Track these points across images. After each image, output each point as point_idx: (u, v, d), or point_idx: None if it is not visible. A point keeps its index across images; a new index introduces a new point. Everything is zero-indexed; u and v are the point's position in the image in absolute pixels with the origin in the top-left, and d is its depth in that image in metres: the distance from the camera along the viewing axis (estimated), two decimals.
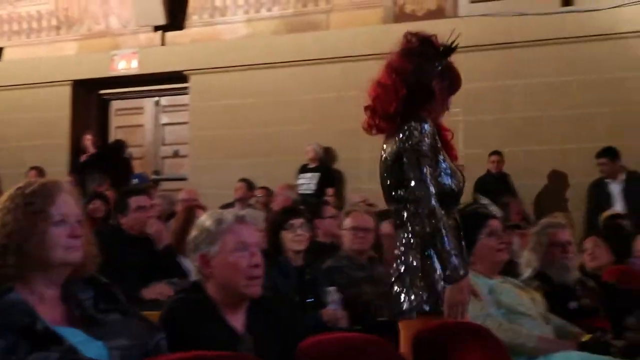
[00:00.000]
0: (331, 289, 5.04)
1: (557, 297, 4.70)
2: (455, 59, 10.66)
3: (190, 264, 4.86)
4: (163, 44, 13.55)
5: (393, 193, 3.65)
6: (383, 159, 3.75)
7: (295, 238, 5.27)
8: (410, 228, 3.59)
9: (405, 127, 3.63)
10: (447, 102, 3.79)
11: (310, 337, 3.71)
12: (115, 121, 14.18)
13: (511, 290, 4.44)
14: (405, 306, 3.63)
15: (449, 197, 3.64)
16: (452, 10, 11.81)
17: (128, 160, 12.86)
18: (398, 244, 3.67)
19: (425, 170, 3.54)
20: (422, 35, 3.84)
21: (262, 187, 10.59)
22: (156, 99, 13.83)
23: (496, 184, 9.86)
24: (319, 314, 4.91)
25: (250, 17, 13.12)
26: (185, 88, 13.28)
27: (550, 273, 4.85)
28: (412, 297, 3.59)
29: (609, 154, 9.33)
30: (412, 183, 3.54)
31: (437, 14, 11.89)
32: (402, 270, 3.62)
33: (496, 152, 10.48)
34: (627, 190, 9.14)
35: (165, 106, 13.85)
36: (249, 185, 10.96)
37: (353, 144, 11.90)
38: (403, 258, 3.63)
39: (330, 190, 11.08)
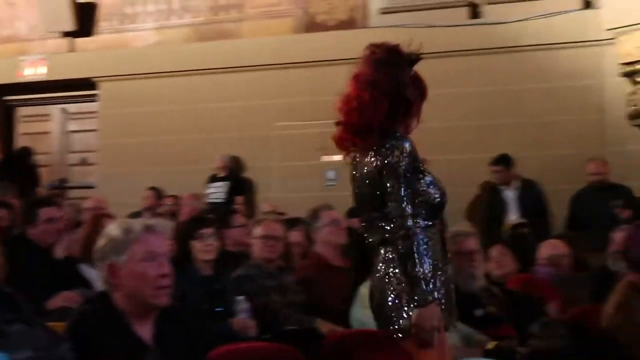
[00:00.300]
0: (240, 298, 5.03)
1: (463, 305, 4.75)
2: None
3: (94, 274, 4.80)
4: (72, 50, 13.36)
5: (377, 208, 3.57)
6: (365, 172, 3.65)
7: (205, 247, 5.24)
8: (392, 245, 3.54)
9: (388, 145, 3.59)
10: (419, 112, 3.80)
11: (219, 347, 3.70)
12: (20, 128, 13.91)
13: None
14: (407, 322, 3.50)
15: (436, 208, 3.63)
16: (362, 21, 11.93)
17: (34, 168, 12.62)
18: (381, 258, 3.59)
19: (402, 191, 3.50)
20: (388, 45, 3.82)
21: (171, 196, 10.51)
22: (63, 106, 13.61)
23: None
24: (228, 323, 4.90)
25: (161, 24, 13.02)
26: (94, 95, 13.11)
27: (457, 281, 4.90)
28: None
29: (503, 161, 9.52)
30: (390, 203, 3.50)
31: (348, 24, 11.99)
32: (395, 285, 3.52)
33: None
34: (522, 197, 9.34)
35: (73, 113, 13.65)
36: (158, 193, 10.86)
37: (262, 153, 11.92)
38: (391, 274, 3.54)
39: (239, 199, 11.05)
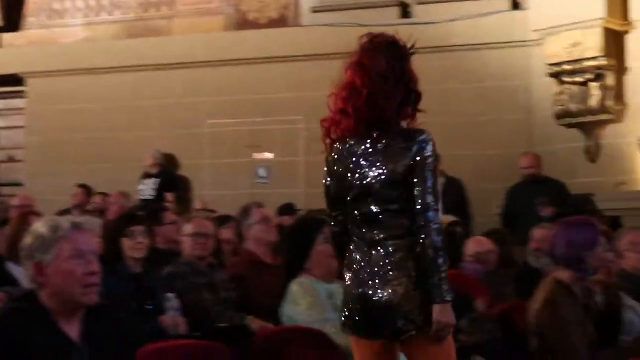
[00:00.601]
0: (170, 295, 5.01)
1: None
2: (298, 68, 11.00)
3: (21, 272, 4.74)
4: None
5: (399, 204, 3.45)
6: (382, 164, 3.50)
7: (135, 245, 5.21)
8: (409, 241, 3.41)
9: (421, 139, 3.65)
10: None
11: (148, 345, 3.68)
12: None
13: None
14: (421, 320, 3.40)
15: None
16: (294, 20, 11.95)
17: None
18: (394, 258, 3.43)
19: (436, 184, 3.47)
20: (388, 36, 3.79)
21: (100, 193, 10.41)
22: None
23: None
24: (158, 321, 4.87)
25: (90, 20, 12.89)
26: (22, 92, 12.92)
27: None
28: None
29: None
30: (427, 197, 3.40)
31: (280, 22, 12.00)
32: (408, 285, 3.39)
33: None
34: (445, 194, 9.47)
35: (0, 110, 13.43)
36: (88, 191, 10.75)
37: (194, 151, 11.87)
38: (407, 270, 3.41)
39: (169, 196, 10.98)
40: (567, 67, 10.26)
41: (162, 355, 3.65)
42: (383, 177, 3.45)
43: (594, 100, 10.18)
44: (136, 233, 5.23)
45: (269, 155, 11.37)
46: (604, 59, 10.05)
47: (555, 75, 10.37)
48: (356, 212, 3.48)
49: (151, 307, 4.99)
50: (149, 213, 6.61)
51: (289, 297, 4.49)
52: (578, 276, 4.36)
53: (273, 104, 11.56)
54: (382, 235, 3.42)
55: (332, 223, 3.61)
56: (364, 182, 3.46)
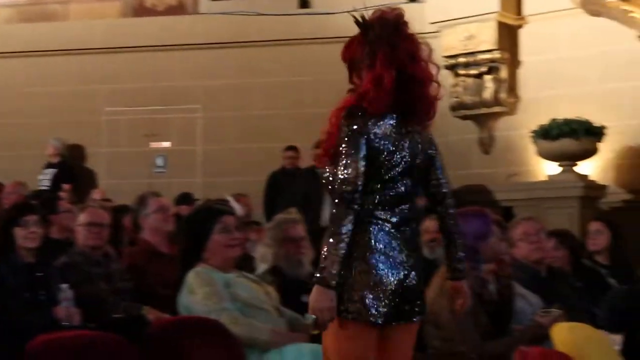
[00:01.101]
0: (64, 286, 4.93)
1: (290, 290, 4.83)
2: (195, 56, 10.87)
3: None
4: None
5: (419, 187, 3.53)
6: (432, 154, 3.53)
7: (28, 235, 5.10)
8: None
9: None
10: None
11: (40, 336, 3.62)
12: None
13: (247, 284, 4.52)
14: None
15: None
16: (192, 7, 11.86)
17: None
18: (416, 239, 3.52)
19: None
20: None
21: None
22: None
23: (288, 180, 9.81)
24: (51, 312, 4.79)
25: None
26: None
27: (284, 267, 4.98)
28: None
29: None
30: (446, 181, 3.53)
31: (178, 9, 11.90)
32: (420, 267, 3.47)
33: (291, 148, 10.29)
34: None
35: None
36: None
37: (91, 139, 11.70)
38: (419, 253, 3.50)
39: (66, 186, 10.77)
40: (462, 60, 10.45)
41: (54, 346, 3.59)
42: (419, 159, 3.45)
43: (488, 93, 10.39)
44: (29, 222, 5.12)
45: (166, 144, 11.28)
46: (497, 52, 10.27)
47: (451, 68, 10.54)
48: (392, 192, 3.38)
49: (44, 298, 4.90)
50: (42, 202, 6.47)
51: (186, 287, 4.47)
52: (471, 266, 4.44)
53: (170, 92, 11.46)
54: (410, 216, 3.43)
55: (358, 204, 3.32)
56: (409, 161, 3.42)
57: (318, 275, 3.21)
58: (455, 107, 10.61)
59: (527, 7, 10.39)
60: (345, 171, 3.26)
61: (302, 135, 10.86)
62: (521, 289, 4.85)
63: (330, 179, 3.33)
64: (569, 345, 2.95)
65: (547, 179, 9.55)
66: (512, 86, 10.44)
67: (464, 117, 10.65)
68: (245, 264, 5.16)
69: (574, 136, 9.13)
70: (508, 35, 10.43)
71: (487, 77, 10.41)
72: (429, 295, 4.47)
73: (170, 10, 11.83)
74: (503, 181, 10.18)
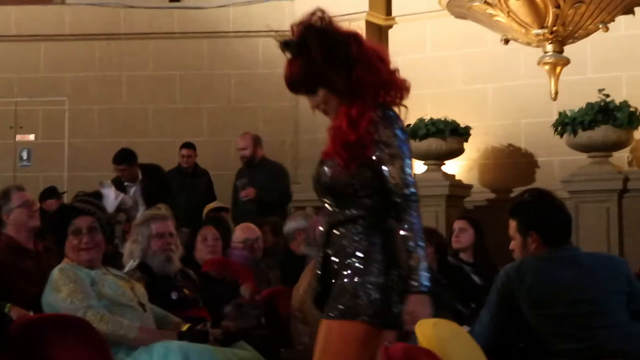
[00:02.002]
0: None
1: (158, 287, 4.78)
2: (62, 47, 10.59)
3: None
4: None
5: None
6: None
7: None
8: None
9: None
10: None
11: None
12: None
13: (113, 281, 4.45)
14: None
15: None
16: None
17: None
18: None
19: None
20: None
21: None
22: None
23: (183, 179, 9.52)
24: None
25: None
26: None
27: (152, 264, 4.92)
28: None
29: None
30: None
31: None
32: None
33: (188, 145, 9.86)
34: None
35: None
36: None
37: None
38: None
39: None
40: None
41: None
42: None
43: None
44: None
45: (31, 137, 11.00)
46: None
47: None
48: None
49: None
50: None
51: (50, 284, 4.36)
52: None
53: (36, 84, 11.17)
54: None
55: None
56: None
57: (419, 283, 3.06)
58: None
59: (396, 8, 10.58)
60: (409, 173, 3.18)
61: (172, 130, 10.79)
62: None
63: (348, 181, 3.22)
64: (432, 341, 3.01)
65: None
66: None
67: None
68: (113, 259, 5.08)
69: (440, 136, 9.33)
70: (377, 35, 10.58)
71: None
72: (299, 292, 4.51)
73: (37, 0, 11.53)
74: None
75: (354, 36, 3.32)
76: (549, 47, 9.23)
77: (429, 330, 3.07)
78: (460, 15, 9.79)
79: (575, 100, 8.80)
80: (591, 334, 3.67)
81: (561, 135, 8.78)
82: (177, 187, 9.09)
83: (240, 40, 11.13)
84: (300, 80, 3.34)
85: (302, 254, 5.88)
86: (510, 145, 10.00)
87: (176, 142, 10.02)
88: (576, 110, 8.60)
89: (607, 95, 8.58)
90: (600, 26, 9.32)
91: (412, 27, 10.51)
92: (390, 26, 10.69)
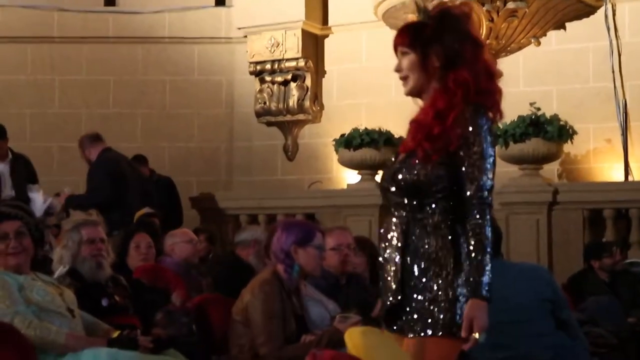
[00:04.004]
0: None
1: (88, 294, 4.73)
2: None
3: None
4: None
5: None
6: None
7: None
8: None
9: None
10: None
11: None
12: None
13: (42, 287, 4.39)
14: None
15: None
16: None
17: None
18: None
19: None
20: None
21: None
22: None
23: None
24: None
25: None
26: None
27: (82, 270, 4.87)
28: None
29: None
30: None
31: None
32: None
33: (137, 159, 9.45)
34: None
35: None
36: None
37: None
38: None
39: None
40: (268, 66, 10.56)
41: None
42: None
43: (293, 101, 10.54)
44: None
45: None
46: (302, 60, 10.45)
47: (257, 74, 10.64)
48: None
49: None
50: None
51: None
52: (288, 270, 4.53)
53: None
54: None
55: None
56: None
57: (479, 290, 2.93)
58: (261, 114, 10.71)
59: (332, 18, 10.63)
60: (491, 177, 3.04)
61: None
62: (319, 295, 4.95)
63: (427, 178, 3.05)
64: (360, 349, 3.04)
65: (347, 187, 9.77)
66: (316, 95, 10.64)
67: (269, 124, 10.76)
68: (43, 265, 5.01)
69: (374, 146, 9.38)
70: (313, 44, 10.63)
71: (292, 85, 10.57)
72: (246, 297, 4.52)
73: None
74: (306, 188, 10.35)
75: (474, 39, 3.19)
76: None
77: (357, 338, 3.09)
78: (395, 26, 9.88)
79: (507, 112, 8.73)
80: (517, 342, 3.72)
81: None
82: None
83: (175, 46, 11.08)
84: (408, 32, 3.21)
85: (249, 264, 5.87)
86: None
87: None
88: (508, 122, 8.71)
89: (539, 109, 8.70)
90: (533, 40, 9.51)
91: (348, 37, 10.56)
92: (327, 35, 10.73)
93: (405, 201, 3.10)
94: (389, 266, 3.11)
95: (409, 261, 3.07)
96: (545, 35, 9.57)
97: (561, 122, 8.69)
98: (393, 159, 3.25)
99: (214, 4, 11.20)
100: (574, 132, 8.76)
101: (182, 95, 11.03)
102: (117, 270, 5.28)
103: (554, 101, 9.39)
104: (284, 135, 10.78)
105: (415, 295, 3.04)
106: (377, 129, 9.45)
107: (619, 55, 9.29)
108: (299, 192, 10.20)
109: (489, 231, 2.96)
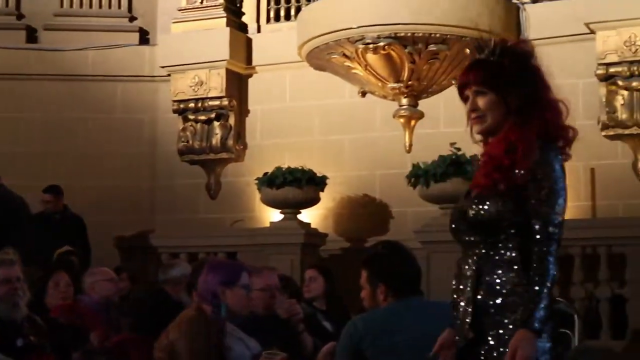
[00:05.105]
0: None
1: (3, 333, 4.65)
2: None
3: None
4: None
5: None
6: None
7: None
8: None
9: None
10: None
11: None
12: None
13: None
14: None
15: None
16: None
17: None
18: None
19: None
20: None
21: None
22: None
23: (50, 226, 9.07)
24: None
25: None
26: None
27: None
28: None
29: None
30: None
31: None
32: None
33: (51, 189, 9.43)
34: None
35: None
36: None
37: None
38: None
39: None
40: (191, 105, 10.56)
41: None
42: None
43: (216, 139, 10.55)
44: None
45: None
46: (226, 99, 10.48)
47: (180, 112, 10.64)
48: None
49: None
50: None
51: None
52: (215, 311, 4.51)
53: None
54: None
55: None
56: None
57: (531, 322, 2.89)
58: (184, 152, 10.68)
59: (256, 58, 10.69)
60: (559, 212, 3.01)
61: (30, 175, 10.48)
62: (240, 333, 4.93)
63: (495, 212, 3.05)
64: None
65: (270, 225, 9.77)
66: (239, 133, 10.66)
67: (192, 162, 10.73)
68: None
69: (297, 185, 9.42)
70: (237, 84, 10.67)
71: (216, 124, 10.59)
72: (172, 335, 4.48)
73: None
74: (228, 227, 10.33)
75: (544, 77, 3.20)
76: (404, 101, 9.52)
77: None
78: (319, 67, 9.98)
79: (428, 152, 9.04)
80: None
81: (414, 186, 8.98)
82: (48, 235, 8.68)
83: (98, 84, 11.01)
84: (482, 74, 3.17)
85: (179, 301, 5.82)
86: (365, 195, 10.17)
87: (31, 186, 9.75)
88: (429, 162, 8.83)
89: (459, 149, 8.83)
90: (453, 82, 9.67)
91: (272, 76, 10.63)
92: (251, 75, 10.78)
93: (478, 239, 3.11)
94: (462, 305, 3.12)
95: (482, 298, 3.07)
96: None
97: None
98: (464, 197, 3.23)
99: (137, 42, 11.18)
100: None
101: (104, 133, 10.94)
102: (35, 309, 5.20)
103: None
104: (206, 174, 10.76)
105: (492, 332, 3.03)
106: (300, 167, 9.50)
107: None
108: (222, 230, 10.17)
109: (552, 267, 2.95)
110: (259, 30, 10.89)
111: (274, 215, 9.83)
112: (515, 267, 3.03)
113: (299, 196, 9.47)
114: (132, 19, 11.36)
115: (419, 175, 8.86)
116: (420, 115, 9.55)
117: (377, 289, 4.01)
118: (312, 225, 9.75)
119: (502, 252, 3.07)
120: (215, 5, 10.65)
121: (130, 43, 11.15)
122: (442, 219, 8.90)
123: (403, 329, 3.87)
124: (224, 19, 10.59)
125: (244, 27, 10.84)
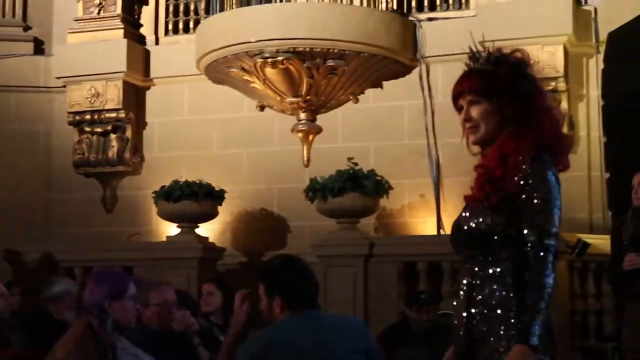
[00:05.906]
0: None
1: None
2: None
3: None
4: None
5: None
6: None
7: None
8: None
9: None
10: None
11: None
12: None
13: None
14: None
15: None
16: None
17: None
18: None
19: None
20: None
21: None
22: None
23: None
24: None
25: None
26: None
27: None
28: None
29: None
30: None
31: None
32: None
33: None
34: None
35: None
36: None
37: None
38: None
39: None
40: (87, 117, 10.42)
41: None
42: None
43: (112, 152, 10.42)
44: None
45: None
46: (123, 111, 10.37)
47: (76, 124, 10.48)
48: None
49: None
50: None
51: None
52: (101, 324, 4.43)
53: None
54: None
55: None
56: None
57: (528, 337, 2.83)
58: (79, 164, 10.52)
59: (154, 70, 10.61)
60: (553, 223, 2.94)
61: None
62: (134, 349, 4.88)
63: (486, 227, 3.01)
64: None
65: (167, 239, 9.69)
66: (136, 146, 10.56)
67: (88, 175, 10.58)
68: None
69: (194, 198, 9.36)
70: (134, 96, 10.57)
71: (112, 136, 10.45)
72: (59, 354, 4.36)
73: None
74: (124, 241, 10.20)
75: (540, 85, 3.19)
76: (303, 116, 9.59)
77: None
78: (217, 81, 9.98)
79: (326, 167, 9.11)
80: None
81: (312, 201, 9.03)
82: None
83: (60, 95, 10.73)
84: (477, 83, 3.12)
85: (62, 319, 5.71)
86: (263, 209, 10.18)
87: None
88: (327, 177, 8.89)
89: (356, 164, 8.92)
90: (351, 97, 9.79)
91: (170, 89, 10.56)
92: (148, 87, 10.69)
93: (472, 252, 3.08)
94: (457, 318, 3.10)
95: (474, 312, 3.04)
96: (363, 92, 9.85)
97: (378, 177, 8.92)
98: (462, 210, 3.17)
99: (32, 52, 10.98)
100: (390, 187, 9.01)
101: None
102: None
103: (371, 157, 9.63)
104: (102, 187, 10.61)
105: (481, 345, 3.00)
106: (197, 181, 9.45)
107: (432, 114, 9.64)
108: (118, 244, 10.04)
109: (548, 279, 2.90)
110: (157, 43, 10.80)
111: (171, 229, 9.75)
112: (510, 280, 2.99)
113: (197, 210, 9.41)
114: (27, 28, 11.13)
115: (317, 190, 8.91)
116: (318, 130, 9.62)
117: (273, 302, 4.02)
118: (210, 240, 9.71)
119: (496, 265, 3.03)
120: (112, 17, 10.52)
121: (24, 53, 10.93)
122: (339, 233, 8.98)
123: (298, 342, 3.89)
124: (122, 30, 10.48)
125: (141, 39, 10.74)
